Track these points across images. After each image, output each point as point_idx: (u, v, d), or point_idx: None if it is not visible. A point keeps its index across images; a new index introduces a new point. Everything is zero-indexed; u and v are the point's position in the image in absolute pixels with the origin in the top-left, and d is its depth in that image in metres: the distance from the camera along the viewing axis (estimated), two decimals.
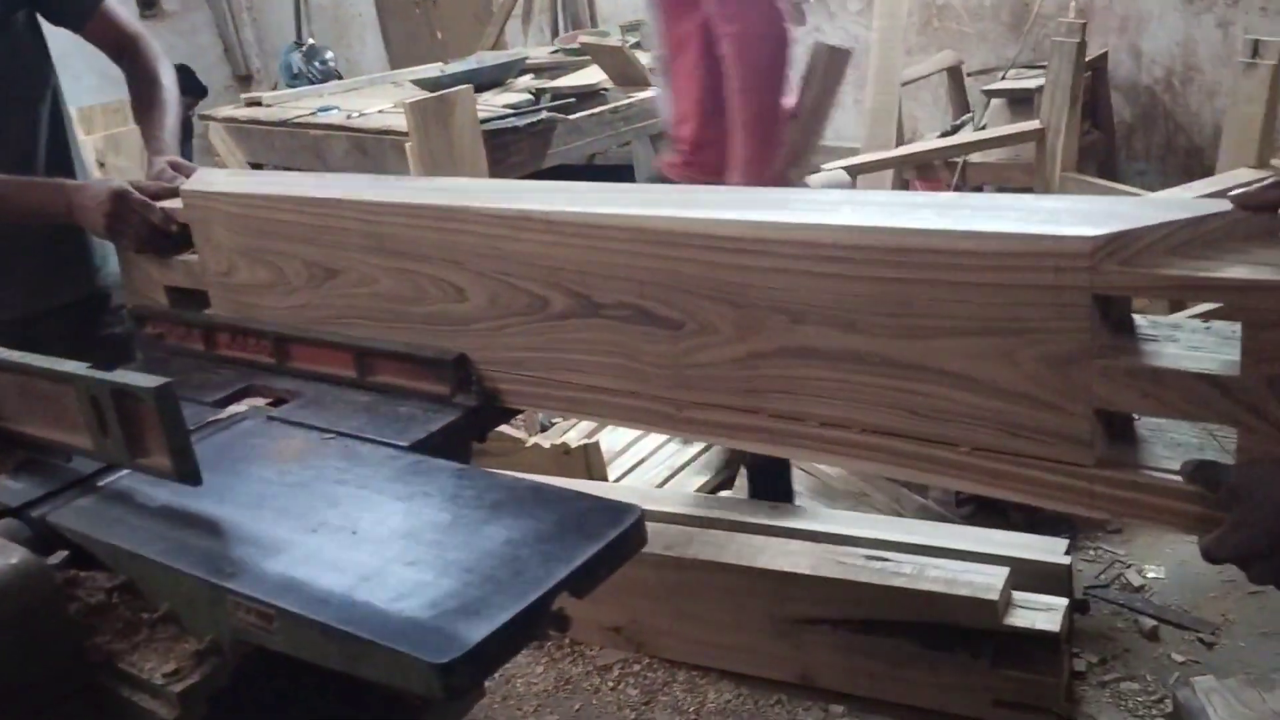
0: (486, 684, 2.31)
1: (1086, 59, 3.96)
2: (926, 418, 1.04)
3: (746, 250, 1.09)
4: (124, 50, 2.00)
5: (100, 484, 1.24)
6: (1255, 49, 3.00)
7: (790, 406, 1.13)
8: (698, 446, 3.06)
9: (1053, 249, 0.92)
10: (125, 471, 1.23)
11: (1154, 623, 2.33)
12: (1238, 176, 3.01)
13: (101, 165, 4.42)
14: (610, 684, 2.36)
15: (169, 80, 1.99)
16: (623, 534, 1.04)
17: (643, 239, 1.16)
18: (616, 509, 1.07)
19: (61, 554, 1.14)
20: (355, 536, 1.08)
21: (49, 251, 1.93)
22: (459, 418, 1.34)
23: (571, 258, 1.23)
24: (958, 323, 0.99)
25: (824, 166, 3.57)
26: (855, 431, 1.09)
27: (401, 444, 1.28)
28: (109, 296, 2.00)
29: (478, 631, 0.90)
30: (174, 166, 1.79)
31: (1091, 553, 2.64)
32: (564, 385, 1.31)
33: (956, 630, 2.05)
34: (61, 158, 1.94)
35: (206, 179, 1.68)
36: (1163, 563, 2.56)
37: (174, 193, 1.68)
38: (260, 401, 1.49)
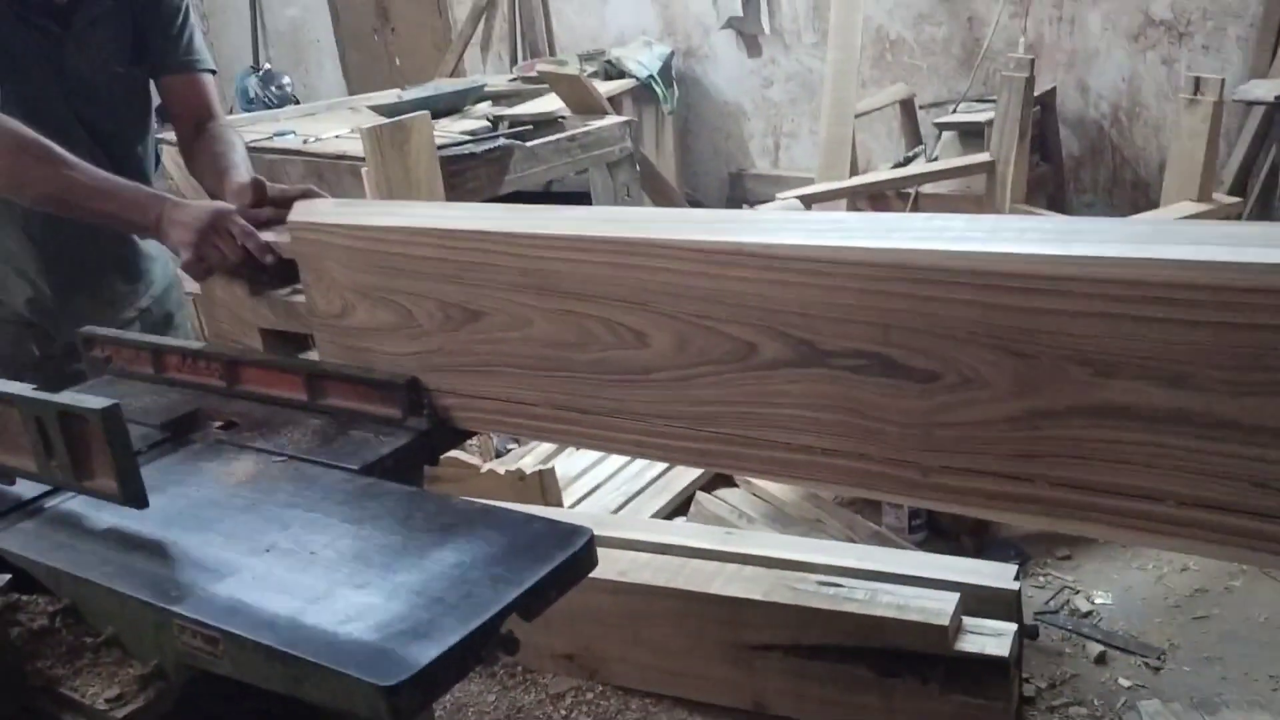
0: (438, 714, 2.29)
1: (1035, 94, 4.05)
2: (1276, 491, 0.87)
3: (1039, 290, 0.91)
4: (204, 120, 1.99)
5: (45, 507, 1.23)
6: (1197, 86, 3.08)
7: (1080, 475, 0.95)
8: (654, 471, 3.07)
9: None
10: (71, 494, 1.21)
11: (1101, 648, 2.37)
12: (1181, 210, 3.08)
13: None
14: (563, 712, 2.35)
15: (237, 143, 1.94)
16: (573, 556, 1.04)
17: (893, 276, 0.98)
18: (567, 531, 1.07)
19: (4, 578, 1.12)
20: (304, 559, 1.08)
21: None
22: (411, 441, 1.34)
23: (793, 298, 1.04)
24: None
25: (779, 195, 3.61)
26: (1170, 505, 0.92)
27: (352, 467, 1.27)
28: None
29: (425, 654, 0.90)
30: (259, 187, 1.63)
31: (1041, 579, 2.67)
32: (767, 445, 1.13)
33: (908, 655, 2.06)
34: None
35: (314, 209, 1.51)
36: (1110, 589, 2.60)
37: (280, 220, 1.55)
38: (211, 425, 1.48)
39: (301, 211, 1.50)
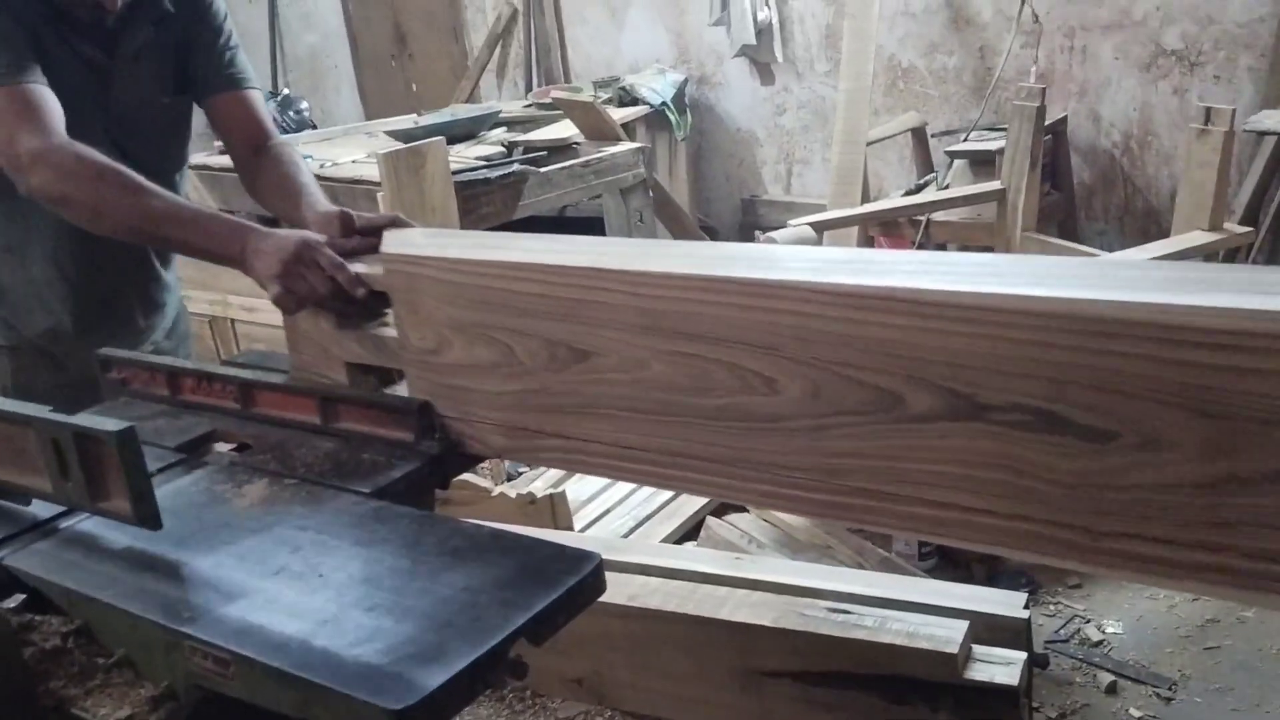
0: None
1: (1046, 122, 4.06)
2: None
3: (1238, 348, 0.84)
4: (260, 141, 1.94)
5: (60, 527, 1.24)
6: (1208, 116, 3.09)
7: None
8: (664, 496, 3.07)
9: None
10: (85, 515, 1.22)
11: (1112, 677, 2.35)
12: (1192, 239, 3.09)
13: None
14: None
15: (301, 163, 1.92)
16: (581, 581, 1.05)
17: (1064, 328, 0.91)
18: (576, 556, 1.08)
19: (18, 598, 1.13)
20: (315, 582, 1.09)
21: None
22: (422, 465, 1.35)
23: (948, 347, 0.98)
24: None
25: (790, 222, 3.63)
26: None
27: (364, 490, 1.28)
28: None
29: (434, 678, 0.91)
30: (347, 219, 1.57)
31: (1051, 607, 2.66)
32: (910, 501, 1.06)
33: (917, 683, 2.06)
34: None
35: (406, 240, 1.45)
36: (1121, 618, 2.59)
37: (372, 249, 1.48)
38: (225, 447, 1.49)
39: (394, 242, 1.43)
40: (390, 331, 1.47)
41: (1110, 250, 3.65)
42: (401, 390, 1.48)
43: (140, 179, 1.64)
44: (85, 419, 1.13)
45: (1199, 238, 3.07)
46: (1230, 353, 0.84)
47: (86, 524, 1.23)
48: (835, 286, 1.03)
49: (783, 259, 1.16)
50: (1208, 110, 3.10)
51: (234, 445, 1.49)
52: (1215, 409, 0.86)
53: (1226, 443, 0.86)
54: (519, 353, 1.30)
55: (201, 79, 1.96)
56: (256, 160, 1.92)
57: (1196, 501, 0.89)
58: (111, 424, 1.08)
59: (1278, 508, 0.86)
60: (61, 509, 1.24)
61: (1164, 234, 3.78)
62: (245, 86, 1.98)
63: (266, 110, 2.01)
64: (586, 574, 1.05)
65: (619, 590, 2.28)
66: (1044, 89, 4.01)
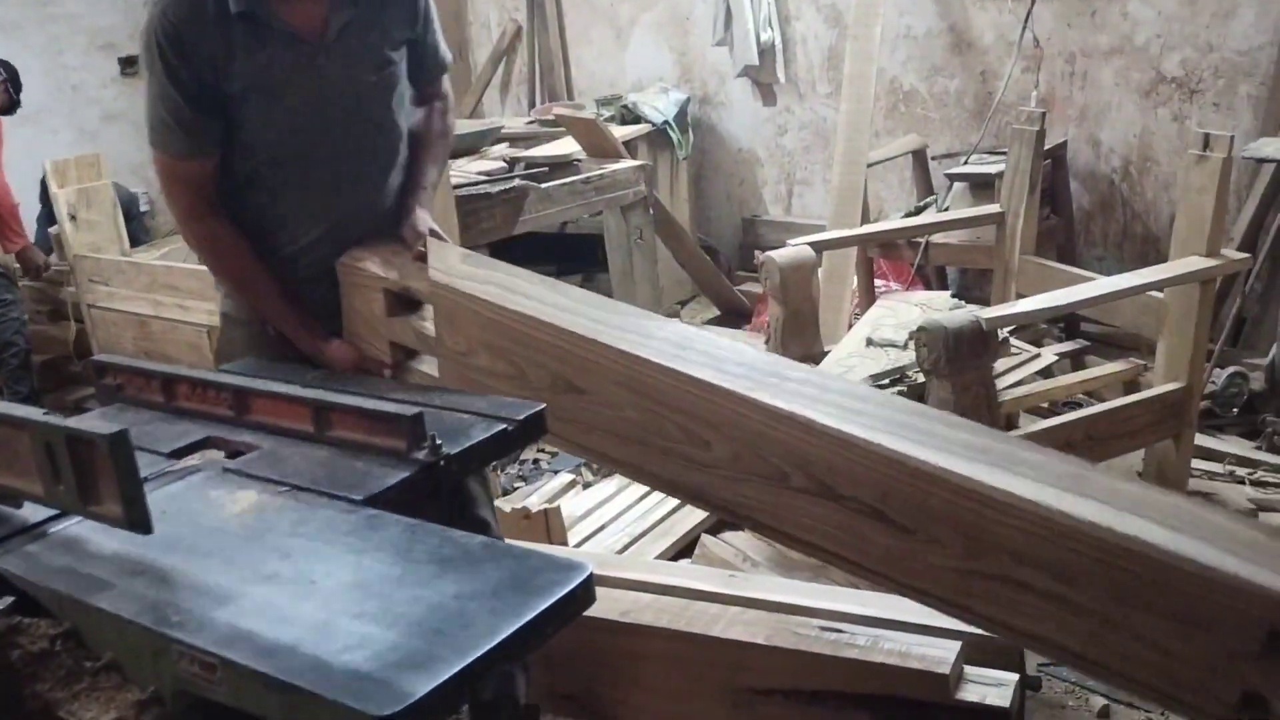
0: None
1: (1046, 147, 4.07)
2: (1100, 646, 1.23)
3: (990, 506, 1.25)
4: (432, 97, 2.19)
5: (50, 531, 1.24)
6: (1206, 142, 3.09)
7: (993, 612, 1.30)
8: (659, 513, 3.07)
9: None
10: (76, 519, 1.22)
11: (1105, 701, 2.34)
12: (1190, 265, 3.09)
13: (73, 218, 4.41)
14: None
15: (446, 131, 2.21)
16: (571, 592, 1.05)
17: (892, 469, 1.31)
18: (565, 567, 1.08)
19: (7, 600, 1.13)
20: (305, 589, 1.08)
21: None
22: (414, 473, 1.35)
23: (822, 456, 1.37)
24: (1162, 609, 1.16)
25: (790, 242, 3.63)
26: (1016, 635, 1.33)
27: (356, 498, 1.28)
28: None
29: (421, 685, 0.90)
30: (421, 257, 1.88)
31: None
32: (788, 537, 1.48)
33: (908, 703, 2.04)
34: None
35: (447, 260, 1.83)
36: None
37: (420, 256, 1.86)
38: (218, 454, 1.49)
39: (438, 260, 1.81)
40: (429, 328, 1.81)
41: (1109, 274, 3.66)
42: (427, 368, 1.83)
43: (243, 252, 1.97)
44: (78, 422, 1.13)
45: (1196, 263, 3.07)
46: (987, 507, 1.25)
47: (77, 528, 1.23)
48: (756, 401, 1.41)
49: (729, 364, 1.51)
50: (1206, 136, 3.11)
51: (228, 452, 1.48)
52: (974, 532, 1.27)
53: (978, 551, 1.27)
54: (530, 376, 1.66)
55: (412, 69, 2.08)
56: (419, 110, 2.16)
57: (955, 578, 1.31)
58: (104, 427, 1.08)
59: (1003, 592, 1.27)
60: (53, 512, 1.24)
61: (1162, 259, 3.79)
62: (444, 70, 2.17)
63: (448, 80, 2.23)
64: (576, 585, 1.05)
65: (612, 606, 2.27)
66: (1044, 113, 4.02)
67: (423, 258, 1.87)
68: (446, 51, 2.18)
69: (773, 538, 1.49)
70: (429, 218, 2.06)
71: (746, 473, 1.45)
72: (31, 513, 1.26)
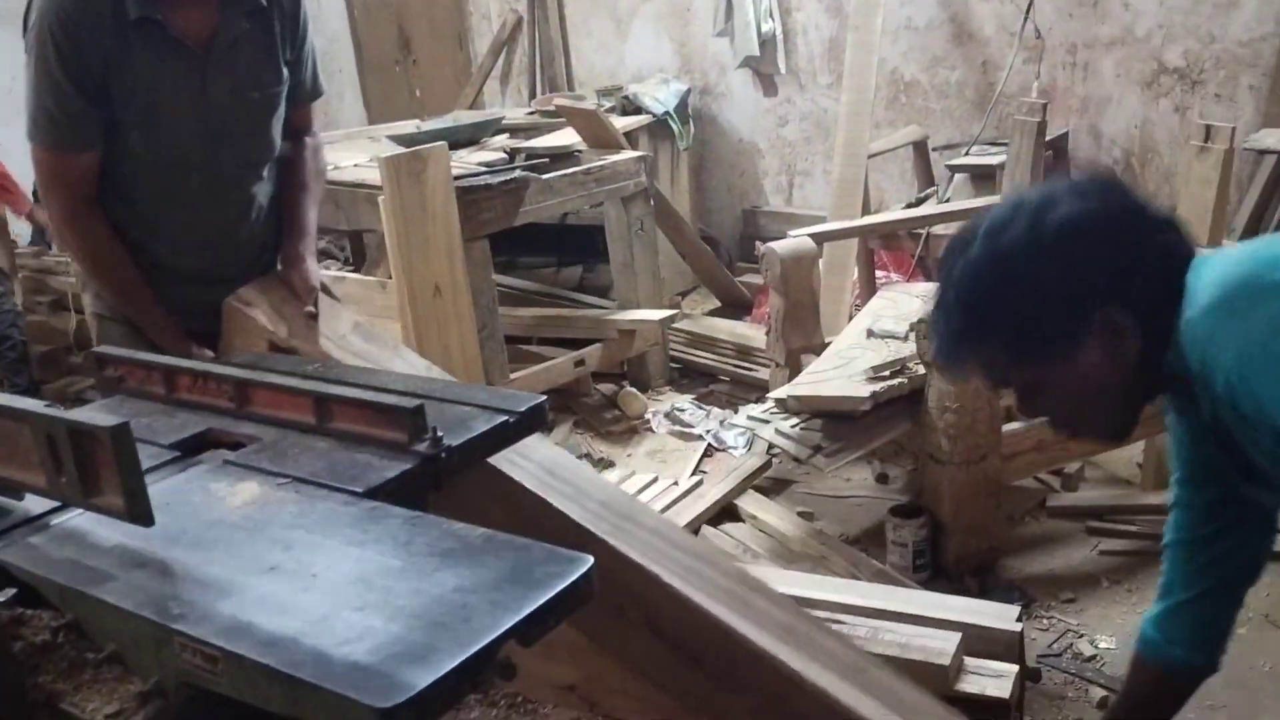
0: None
1: (1047, 138, 4.07)
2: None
3: (784, 678, 1.49)
4: (300, 132, 2.18)
5: (52, 523, 1.24)
6: (1208, 134, 3.09)
7: None
8: (660, 505, 3.07)
9: None
10: (78, 511, 1.22)
11: (1105, 692, 2.35)
12: None
13: None
14: None
15: (321, 172, 2.26)
16: (573, 584, 1.05)
17: (718, 635, 1.53)
18: (567, 559, 1.08)
19: (9, 592, 1.13)
20: (306, 581, 1.08)
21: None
22: (415, 465, 1.35)
23: (659, 604, 1.57)
24: None
25: (790, 234, 3.63)
26: None
27: (357, 490, 1.28)
28: None
29: (422, 677, 0.91)
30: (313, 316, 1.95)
31: (1044, 621, 2.65)
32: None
33: None
34: None
35: (339, 328, 1.94)
36: (1114, 633, 2.58)
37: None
38: (219, 446, 1.49)
39: (329, 335, 1.90)
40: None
41: None
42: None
43: (121, 259, 1.99)
44: (80, 414, 1.13)
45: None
46: (778, 676, 1.49)
47: (79, 520, 1.23)
48: (611, 546, 1.53)
49: (591, 500, 1.61)
50: (1208, 128, 3.10)
51: (229, 444, 1.48)
52: (769, 691, 1.50)
53: (770, 707, 1.50)
54: None
55: (290, 89, 2.07)
56: (288, 145, 2.13)
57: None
58: (106, 419, 1.08)
59: None
60: (54, 504, 1.24)
61: None
62: (316, 98, 2.18)
63: (315, 114, 2.23)
64: (578, 576, 1.05)
65: None
66: (1045, 104, 4.02)
67: (314, 317, 1.90)
68: (322, 83, 2.20)
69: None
70: (318, 270, 2.08)
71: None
72: (33, 505, 1.26)
